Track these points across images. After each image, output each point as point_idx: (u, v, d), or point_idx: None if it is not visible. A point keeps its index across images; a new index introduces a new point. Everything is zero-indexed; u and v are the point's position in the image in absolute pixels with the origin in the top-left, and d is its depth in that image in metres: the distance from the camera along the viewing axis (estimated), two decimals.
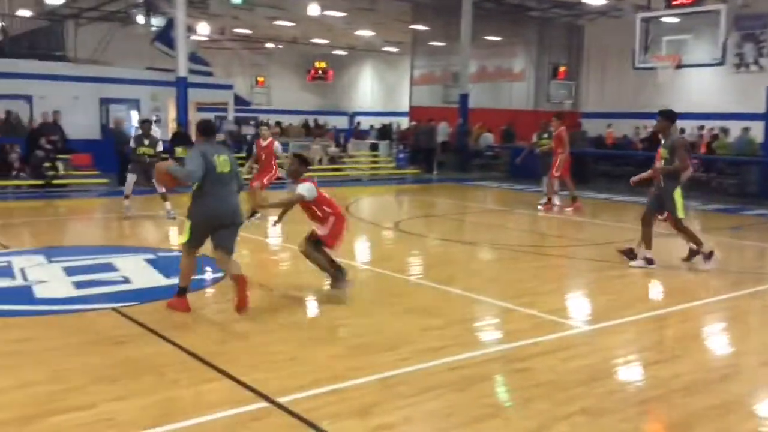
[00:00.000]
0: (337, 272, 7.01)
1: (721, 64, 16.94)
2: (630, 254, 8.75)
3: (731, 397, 4.61)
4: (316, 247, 6.97)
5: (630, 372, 5.20)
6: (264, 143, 11.96)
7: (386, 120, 33.75)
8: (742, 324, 6.76)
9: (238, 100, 27.27)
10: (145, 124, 12.84)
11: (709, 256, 8.40)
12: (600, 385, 4.74)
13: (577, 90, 29.08)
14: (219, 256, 6.30)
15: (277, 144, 12.13)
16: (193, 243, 6.21)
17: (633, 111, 26.49)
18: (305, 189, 6.78)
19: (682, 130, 22.29)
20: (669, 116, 8.41)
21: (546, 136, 14.25)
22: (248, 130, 20.82)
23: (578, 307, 7.20)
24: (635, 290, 7.83)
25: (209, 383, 4.62)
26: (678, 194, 8.22)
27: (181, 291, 6.25)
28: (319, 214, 6.87)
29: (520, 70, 29.26)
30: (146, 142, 12.16)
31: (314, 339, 5.66)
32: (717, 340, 6.28)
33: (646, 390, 4.79)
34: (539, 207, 13.94)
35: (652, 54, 17.22)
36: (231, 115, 23.13)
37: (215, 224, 6.15)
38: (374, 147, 24.29)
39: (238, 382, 4.59)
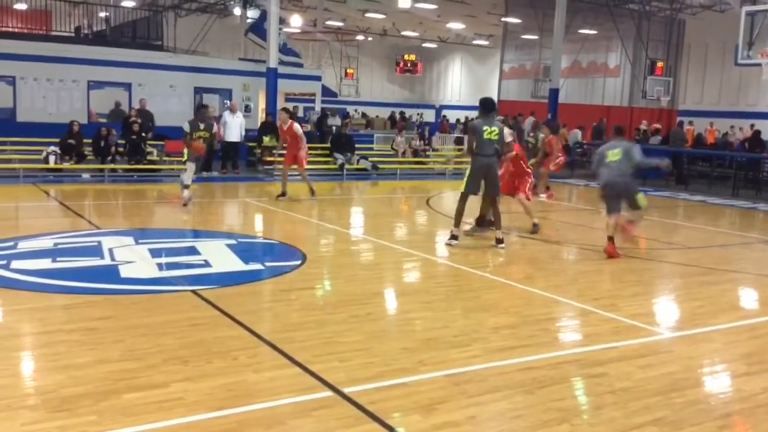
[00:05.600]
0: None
1: None
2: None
3: None
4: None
5: (713, 383, 4.92)
6: (285, 127, 12.92)
7: (474, 114, 33.38)
8: None
9: (326, 91, 27.61)
10: (202, 108, 12.76)
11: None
12: (679, 395, 4.50)
13: (675, 87, 27.83)
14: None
15: (297, 126, 12.99)
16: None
17: (734, 110, 25.13)
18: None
19: None
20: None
21: (532, 134, 15.03)
22: (335, 122, 21.03)
23: (662, 312, 6.87)
24: (726, 297, 7.42)
25: (278, 369, 4.67)
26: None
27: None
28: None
29: (615, 65, 28.32)
30: (202, 126, 11.90)
31: (385, 331, 5.64)
32: None
33: (729, 403, 4.51)
34: (542, 196, 14.19)
35: (758, 50, 16.20)
36: (318, 106, 23.43)
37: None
38: (459, 141, 24.08)
39: (306, 370, 4.62)
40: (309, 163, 13.73)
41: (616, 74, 28.18)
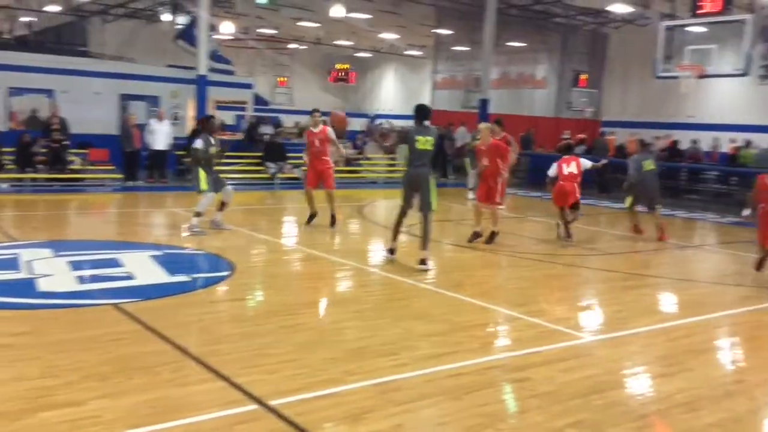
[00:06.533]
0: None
1: (745, 74, 16.63)
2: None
3: (733, 414, 4.48)
4: None
5: (631, 385, 5.08)
6: (316, 130, 11.08)
7: (407, 123, 33.68)
8: (751, 340, 6.61)
9: (258, 100, 27.35)
10: (212, 119, 11.12)
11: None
12: (599, 398, 4.63)
13: (599, 98, 28.80)
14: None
15: (329, 130, 11.11)
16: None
17: (655, 121, 26.17)
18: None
19: (695, 141, 22.11)
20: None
21: (479, 137, 15.11)
22: (266, 129, 20.82)
23: (584, 317, 7.07)
24: (644, 302, 7.70)
25: (202, 384, 4.58)
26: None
27: None
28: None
29: (543, 77, 29.06)
30: (213, 141, 10.37)
31: (314, 342, 5.60)
32: (724, 355, 6.14)
33: (646, 404, 4.67)
34: (471, 197, 14.49)
35: (676, 63, 16.96)
36: (249, 114, 23.17)
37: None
38: (392, 150, 24.19)
39: (232, 383, 4.54)
40: (239, 172, 13.51)
41: (544, 86, 28.92)
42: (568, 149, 12.61)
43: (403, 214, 8.74)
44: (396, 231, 8.82)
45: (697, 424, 4.32)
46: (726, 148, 22.10)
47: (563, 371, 5.12)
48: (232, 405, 4.22)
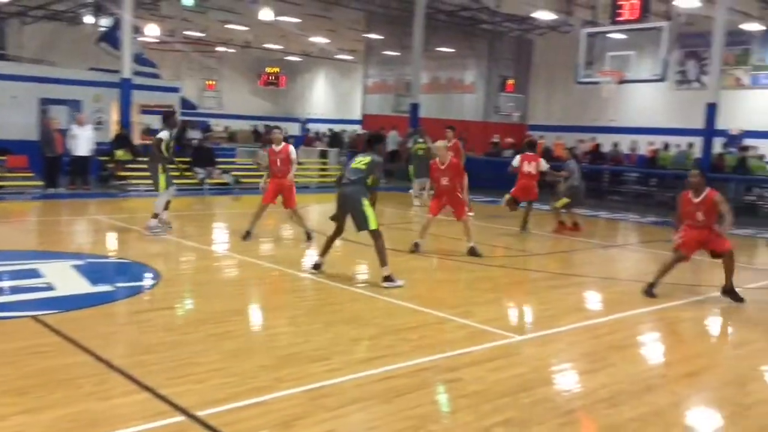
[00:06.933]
0: None
1: (662, 80, 17.34)
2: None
3: (653, 408, 4.65)
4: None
5: (557, 382, 5.21)
6: (277, 149, 10.72)
7: (339, 127, 33.68)
8: (671, 335, 6.88)
9: (186, 104, 26.82)
10: (174, 115, 11.37)
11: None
12: (527, 395, 4.73)
13: (526, 103, 29.52)
14: None
15: (291, 149, 10.83)
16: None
17: (579, 124, 27.01)
18: None
19: (616, 144, 22.96)
20: None
21: (421, 141, 15.10)
22: (194, 134, 20.44)
23: (512, 317, 7.23)
24: (571, 300, 7.91)
25: (126, 396, 4.44)
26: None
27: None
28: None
29: (471, 81, 29.58)
30: (172, 136, 10.79)
31: (244, 349, 5.52)
32: (646, 350, 6.37)
33: (571, 400, 4.80)
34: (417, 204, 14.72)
35: (597, 69, 17.54)
36: (177, 118, 22.68)
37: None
38: (324, 154, 24.18)
39: (156, 394, 4.43)
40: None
41: (472, 90, 29.44)
42: (531, 146, 13.33)
43: (335, 231, 8.42)
44: (325, 247, 8.50)
45: (618, 419, 4.46)
46: (644, 150, 22.98)
47: (493, 370, 5.21)
48: (157, 417, 4.11)
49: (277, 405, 4.40)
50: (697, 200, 7.73)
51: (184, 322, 6.51)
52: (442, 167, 10.12)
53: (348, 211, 8.10)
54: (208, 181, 17.89)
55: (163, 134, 10.56)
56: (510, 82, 28.35)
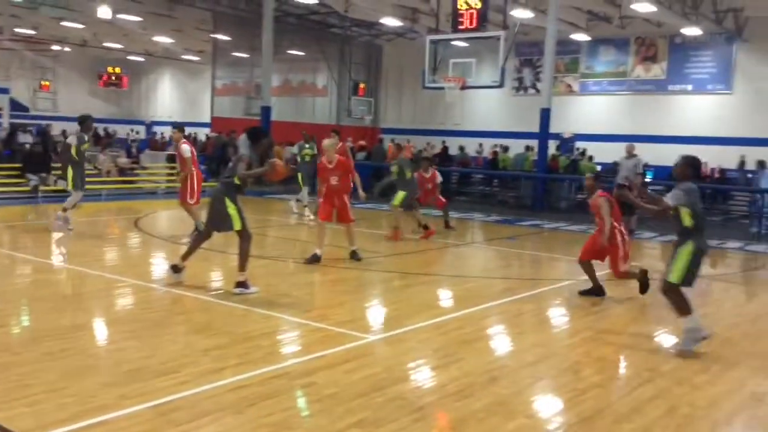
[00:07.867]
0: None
1: (500, 86, 18.30)
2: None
3: (497, 398, 4.90)
4: None
5: (409, 380, 5.35)
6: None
7: (189, 130, 32.61)
8: (514, 326, 7.27)
9: (16, 105, 24.87)
10: (88, 119, 11.68)
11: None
12: (379, 395, 4.82)
13: (377, 107, 30.13)
14: None
15: (185, 146, 11.43)
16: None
17: (428, 128, 27.98)
18: None
19: (462, 147, 24.08)
20: None
21: (308, 147, 15.52)
22: (26, 138, 18.99)
23: (365, 318, 7.32)
24: (420, 299, 8.15)
25: None
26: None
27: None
28: None
29: (323, 85, 29.76)
30: (86, 138, 11.50)
31: (83, 367, 5.19)
32: (491, 343, 6.69)
33: (422, 396, 4.94)
34: (307, 215, 14.73)
35: (441, 75, 18.22)
36: (6, 121, 21.00)
37: None
38: (171, 158, 23.27)
39: None
40: None
41: (324, 94, 29.63)
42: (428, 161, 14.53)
43: (204, 233, 8.12)
44: (190, 249, 8.11)
45: (466, 411, 4.65)
46: (488, 153, 24.22)
47: (346, 372, 5.25)
48: None
49: (122, 423, 4.18)
50: (591, 202, 8.35)
51: (14, 342, 6.01)
52: (330, 166, 9.90)
53: (211, 211, 7.77)
54: (43, 188, 16.67)
55: (72, 139, 11.42)
56: (362, 85, 28.86)
